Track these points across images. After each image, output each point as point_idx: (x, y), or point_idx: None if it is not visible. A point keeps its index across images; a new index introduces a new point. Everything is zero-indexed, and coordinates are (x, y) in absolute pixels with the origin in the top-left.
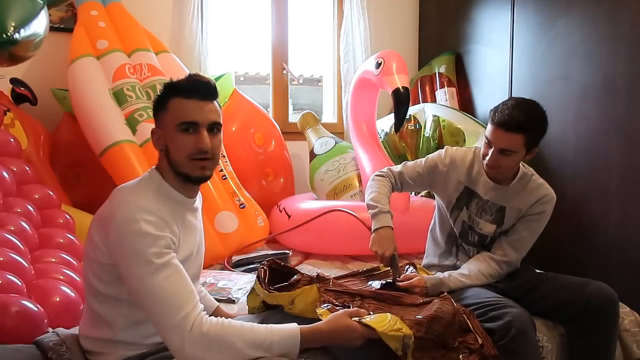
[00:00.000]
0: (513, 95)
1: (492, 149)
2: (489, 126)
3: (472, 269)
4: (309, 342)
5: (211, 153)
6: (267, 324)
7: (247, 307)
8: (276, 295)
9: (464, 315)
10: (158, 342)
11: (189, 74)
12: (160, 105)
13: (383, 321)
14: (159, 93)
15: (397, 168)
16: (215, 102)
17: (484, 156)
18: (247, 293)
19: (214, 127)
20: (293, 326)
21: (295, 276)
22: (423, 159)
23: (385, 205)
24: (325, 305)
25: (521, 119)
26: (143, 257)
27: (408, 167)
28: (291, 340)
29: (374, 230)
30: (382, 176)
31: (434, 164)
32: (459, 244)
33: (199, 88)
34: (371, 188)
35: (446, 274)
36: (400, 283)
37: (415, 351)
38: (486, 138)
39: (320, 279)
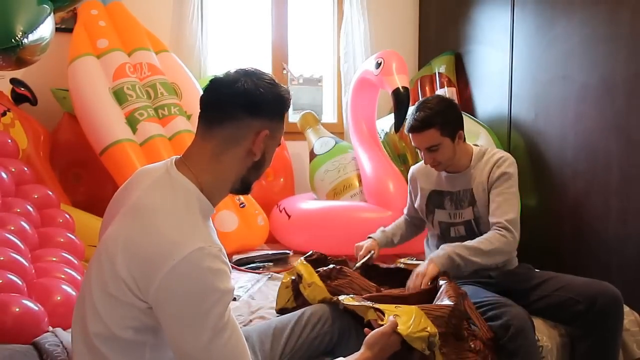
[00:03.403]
0: (513, 95)
1: (422, 152)
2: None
3: (475, 239)
4: None
5: None
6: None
7: (275, 303)
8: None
9: (463, 296)
10: None
11: (289, 94)
12: (281, 114)
13: (408, 321)
14: (283, 99)
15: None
16: None
17: (423, 159)
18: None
19: None
20: None
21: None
22: (407, 195)
23: (380, 231)
24: (349, 293)
25: (424, 118)
26: (206, 321)
27: (407, 208)
28: None
29: None
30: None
31: (409, 190)
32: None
33: None
34: None
35: (449, 247)
36: (408, 292)
37: (441, 347)
38: (414, 147)
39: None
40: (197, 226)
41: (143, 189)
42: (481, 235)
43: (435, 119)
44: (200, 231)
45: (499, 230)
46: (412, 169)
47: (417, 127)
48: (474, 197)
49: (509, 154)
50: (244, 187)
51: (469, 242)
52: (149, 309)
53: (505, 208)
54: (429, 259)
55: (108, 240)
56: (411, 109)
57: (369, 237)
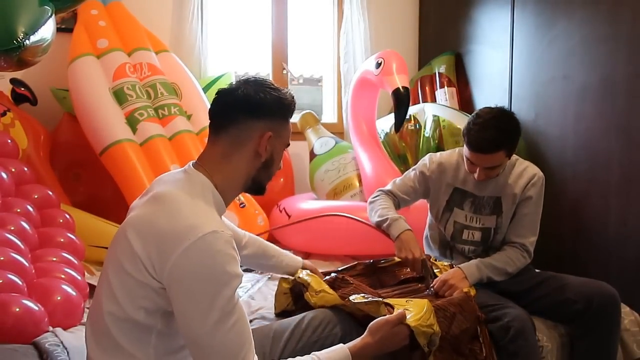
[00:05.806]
0: (513, 95)
1: (478, 167)
2: (467, 149)
3: (496, 255)
4: (359, 358)
5: None
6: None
7: (273, 306)
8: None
9: (480, 321)
10: None
11: (293, 98)
12: (283, 115)
13: (419, 312)
14: (285, 102)
15: (388, 187)
16: None
17: (470, 172)
18: (276, 293)
19: None
20: (341, 349)
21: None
22: (410, 173)
23: (394, 214)
24: (358, 294)
25: (496, 139)
26: (215, 301)
27: (398, 184)
28: None
29: (396, 239)
30: (378, 196)
31: (423, 173)
32: (452, 246)
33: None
34: (373, 209)
35: (484, 268)
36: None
37: (436, 350)
38: (467, 158)
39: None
40: (212, 213)
41: (162, 184)
42: (492, 243)
43: (506, 141)
44: (215, 218)
45: (521, 251)
46: (442, 159)
47: (487, 149)
48: (501, 207)
49: (539, 170)
50: (256, 187)
51: (498, 264)
52: (162, 289)
53: (531, 229)
54: (462, 269)
55: (128, 223)
56: (471, 121)
57: (406, 230)
